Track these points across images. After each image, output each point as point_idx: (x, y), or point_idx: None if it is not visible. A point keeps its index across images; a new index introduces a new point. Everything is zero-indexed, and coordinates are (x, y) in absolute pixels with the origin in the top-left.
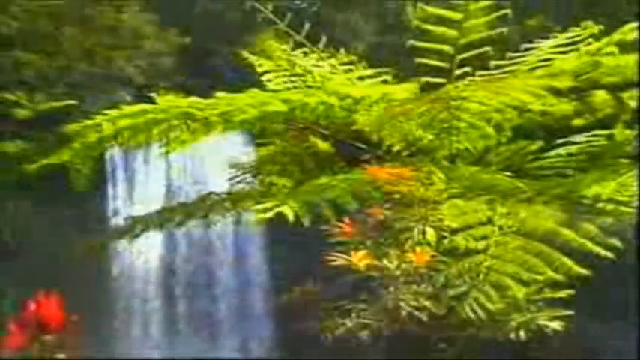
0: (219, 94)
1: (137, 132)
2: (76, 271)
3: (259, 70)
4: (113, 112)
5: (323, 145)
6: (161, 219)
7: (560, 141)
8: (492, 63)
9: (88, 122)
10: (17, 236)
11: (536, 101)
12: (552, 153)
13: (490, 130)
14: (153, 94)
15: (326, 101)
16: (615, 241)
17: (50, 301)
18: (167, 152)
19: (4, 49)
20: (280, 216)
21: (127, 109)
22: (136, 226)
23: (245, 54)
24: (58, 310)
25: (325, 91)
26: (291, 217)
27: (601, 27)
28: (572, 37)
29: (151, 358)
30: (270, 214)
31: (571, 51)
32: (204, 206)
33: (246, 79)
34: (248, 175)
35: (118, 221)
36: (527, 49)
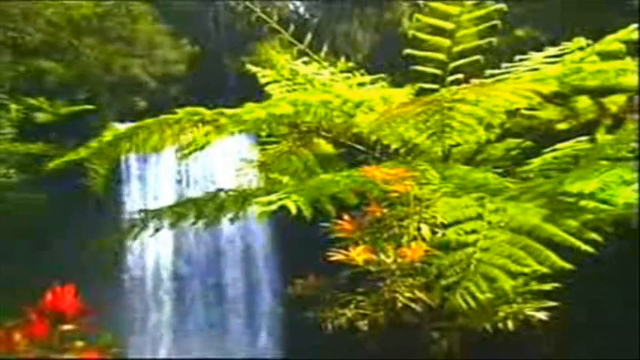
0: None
1: (151, 134)
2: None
3: (262, 80)
4: (129, 127)
5: (325, 146)
6: (173, 217)
7: (547, 150)
8: (487, 72)
9: (107, 138)
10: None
11: (524, 103)
12: (539, 158)
13: (480, 129)
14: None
15: (328, 101)
16: (595, 236)
17: (66, 292)
18: (184, 155)
19: (27, 58)
20: (285, 212)
21: (141, 122)
22: (148, 224)
23: (249, 66)
24: (74, 301)
25: (329, 94)
26: (293, 209)
27: (590, 41)
28: (562, 50)
29: (156, 358)
30: (274, 207)
31: (559, 61)
32: (213, 203)
33: (252, 84)
34: (254, 174)
35: (132, 216)
36: (520, 60)
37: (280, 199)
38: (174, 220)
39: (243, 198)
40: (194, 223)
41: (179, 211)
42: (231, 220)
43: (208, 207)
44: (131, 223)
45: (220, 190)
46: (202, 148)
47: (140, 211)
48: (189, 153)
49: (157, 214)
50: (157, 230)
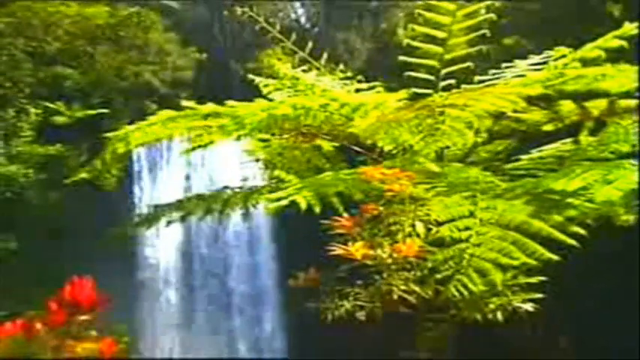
0: (230, 102)
1: (160, 139)
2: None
3: (265, 90)
4: (142, 123)
5: (326, 145)
6: (182, 212)
7: (534, 151)
8: (476, 78)
9: (119, 132)
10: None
11: (510, 106)
12: (526, 157)
13: (469, 132)
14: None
15: (327, 105)
16: (580, 229)
17: (83, 283)
18: (188, 151)
19: (47, 65)
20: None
21: (153, 117)
22: (158, 218)
23: (252, 76)
24: (91, 292)
25: (327, 98)
26: (303, 205)
27: (571, 49)
28: (546, 58)
29: (161, 358)
30: (284, 202)
31: (543, 68)
32: (220, 199)
33: (255, 87)
34: (259, 171)
35: (143, 211)
36: (507, 67)
37: (291, 195)
38: (183, 214)
39: (249, 194)
40: (202, 218)
41: (188, 206)
42: (243, 217)
43: (216, 203)
44: (142, 218)
45: (227, 187)
46: (205, 146)
47: (150, 206)
48: (192, 149)
49: (167, 208)
50: (168, 223)
